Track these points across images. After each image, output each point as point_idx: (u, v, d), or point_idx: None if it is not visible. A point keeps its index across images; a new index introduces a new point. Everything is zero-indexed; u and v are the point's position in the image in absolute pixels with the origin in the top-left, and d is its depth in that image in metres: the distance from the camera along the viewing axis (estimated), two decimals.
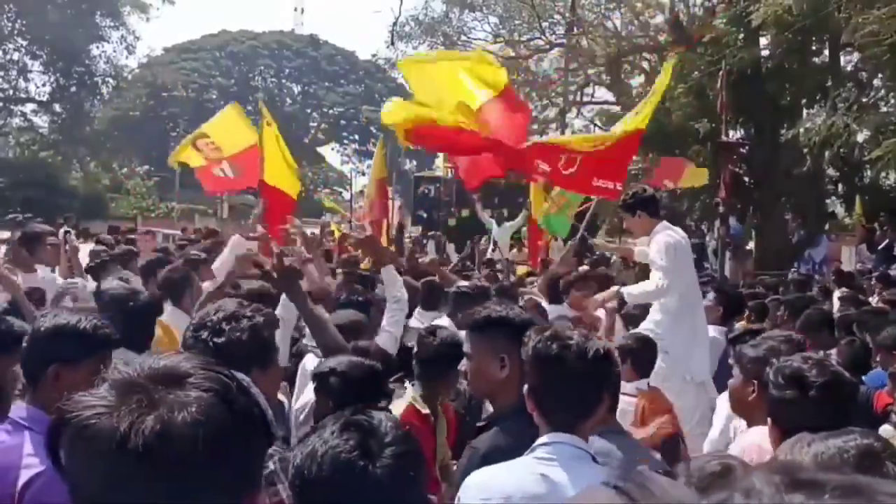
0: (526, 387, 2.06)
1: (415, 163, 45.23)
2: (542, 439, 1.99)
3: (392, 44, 29.27)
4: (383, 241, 9.78)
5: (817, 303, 6.42)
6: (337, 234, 9.53)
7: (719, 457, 1.89)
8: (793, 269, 14.57)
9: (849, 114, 13.49)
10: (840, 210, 19.48)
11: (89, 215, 24.57)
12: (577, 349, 2.01)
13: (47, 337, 2.20)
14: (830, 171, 17.30)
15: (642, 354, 3.95)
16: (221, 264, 5.41)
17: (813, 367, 2.16)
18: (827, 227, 18.50)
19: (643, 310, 4.94)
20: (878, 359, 4.35)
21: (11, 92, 35.52)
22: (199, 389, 0.94)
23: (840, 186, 18.15)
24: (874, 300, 8.04)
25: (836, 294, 8.70)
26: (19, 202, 24.46)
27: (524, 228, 11.59)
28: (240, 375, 1.05)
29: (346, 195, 46.58)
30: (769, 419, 2.25)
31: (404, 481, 1.32)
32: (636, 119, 5.81)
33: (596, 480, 1.81)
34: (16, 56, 34.51)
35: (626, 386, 3.61)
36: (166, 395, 0.93)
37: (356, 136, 51.01)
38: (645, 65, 24.67)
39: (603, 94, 27.84)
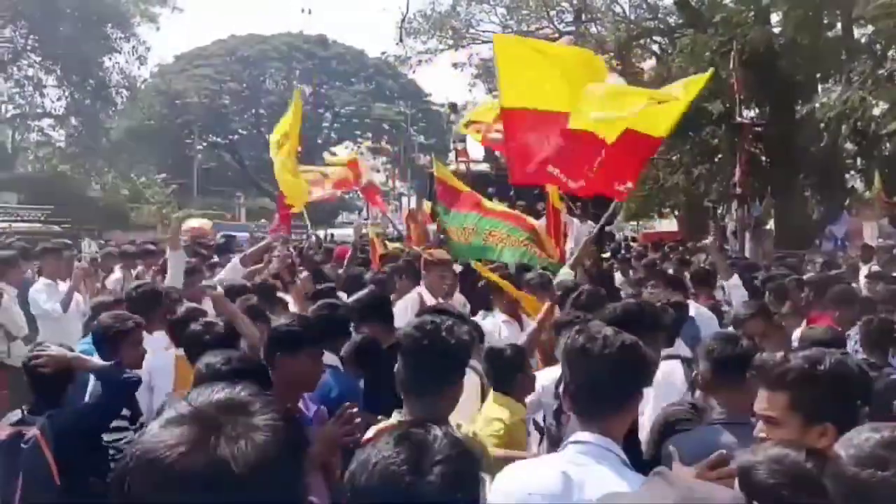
0: (561, 385, 2.08)
1: (428, 157, 45.18)
2: (571, 437, 2.00)
3: (400, 40, 29.31)
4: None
5: (842, 281, 6.37)
6: (373, 237, 9.15)
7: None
8: (816, 244, 14.45)
9: (864, 87, 13.33)
10: (860, 185, 19.24)
11: (111, 226, 24.81)
12: (603, 342, 1.99)
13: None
14: (848, 146, 17.06)
15: None
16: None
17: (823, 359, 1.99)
18: (847, 202, 18.29)
19: None
20: None
21: (28, 108, 35.92)
22: (264, 414, 1.03)
23: (859, 161, 17.92)
24: None
25: (863, 271, 8.60)
26: (42, 216, 24.67)
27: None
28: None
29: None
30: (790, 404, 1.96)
31: (450, 501, 1.28)
32: (658, 122, 5.40)
33: (621, 483, 1.81)
34: (30, 72, 34.82)
35: None
36: (246, 422, 1.01)
37: (369, 134, 51.09)
38: (655, 48, 24.48)
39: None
